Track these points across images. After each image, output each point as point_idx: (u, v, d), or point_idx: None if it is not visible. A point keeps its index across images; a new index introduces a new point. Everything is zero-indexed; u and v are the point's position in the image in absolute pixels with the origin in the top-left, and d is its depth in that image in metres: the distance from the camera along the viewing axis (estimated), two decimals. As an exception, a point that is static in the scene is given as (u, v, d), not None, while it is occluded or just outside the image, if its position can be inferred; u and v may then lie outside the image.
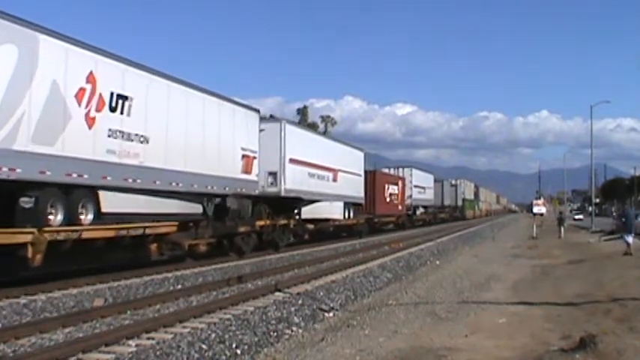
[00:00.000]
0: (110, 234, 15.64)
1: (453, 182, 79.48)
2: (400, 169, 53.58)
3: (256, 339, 10.34)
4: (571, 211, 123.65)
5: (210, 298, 13.89)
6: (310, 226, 29.86)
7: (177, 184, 18.24)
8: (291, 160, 25.77)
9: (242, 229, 22.01)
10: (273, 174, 24.81)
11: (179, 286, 15.66)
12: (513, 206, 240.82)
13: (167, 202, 18.08)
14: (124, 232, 16.10)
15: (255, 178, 22.98)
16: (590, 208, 77.67)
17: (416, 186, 53.99)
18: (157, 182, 17.31)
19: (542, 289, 16.58)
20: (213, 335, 9.92)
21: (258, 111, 24.05)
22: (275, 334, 10.90)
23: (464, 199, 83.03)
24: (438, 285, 17.40)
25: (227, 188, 20.83)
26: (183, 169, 18.53)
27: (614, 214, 72.97)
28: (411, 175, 53.32)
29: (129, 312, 12.17)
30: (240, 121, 22.20)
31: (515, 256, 27.63)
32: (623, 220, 27.73)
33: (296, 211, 27.75)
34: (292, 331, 11.38)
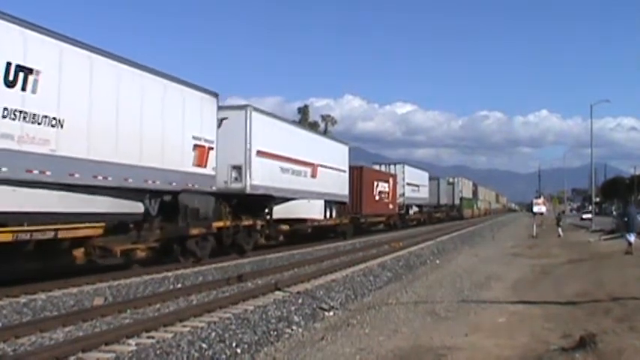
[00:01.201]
0: (5, 238, 12.87)
1: (450, 180, 76.76)
2: (392, 166, 50.59)
3: (256, 338, 10.34)
4: (571, 210, 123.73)
5: (211, 297, 13.89)
6: (284, 227, 26.84)
7: (106, 177, 15.28)
8: (259, 153, 23.01)
9: (195, 232, 19.29)
10: (238, 168, 22.06)
11: (179, 285, 15.67)
12: (513, 205, 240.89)
13: (91, 200, 15.08)
14: (25, 236, 13.31)
15: (212, 172, 19.98)
16: (590, 208, 77.64)
17: (409, 184, 51.25)
18: (76, 175, 14.35)
19: (542, 288, 16.59)
20: (213, 334, 9.92)
21: (216, 95, 20.65)
22: (275, 333, 10.91)
23: (461, 198, 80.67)
24: (438, 284, 17.41)
25: (174, 183, 18.07)
26: (114, 160, 15.61)
27: (614, 213, 73.02)
28: (403, 172, 50.27)
29: (129, 311, 12.17)
30: (193, 106, 19.19)
31: (515, 256, 27.63)
32: (625, 219, 27.71)
33: (267, 210, 24.87)
34: (292, 330, 11.38)
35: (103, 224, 15.60)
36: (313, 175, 29.01)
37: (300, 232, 29.52)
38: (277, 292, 14.17)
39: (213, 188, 20.14)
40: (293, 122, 30.25)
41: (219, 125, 20.88)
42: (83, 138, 14.71)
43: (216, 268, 18.71)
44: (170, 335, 9.73)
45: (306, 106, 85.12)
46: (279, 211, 25.56)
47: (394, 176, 47.05)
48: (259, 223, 23.83)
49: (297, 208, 27.28)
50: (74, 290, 13.70)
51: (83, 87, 14.80)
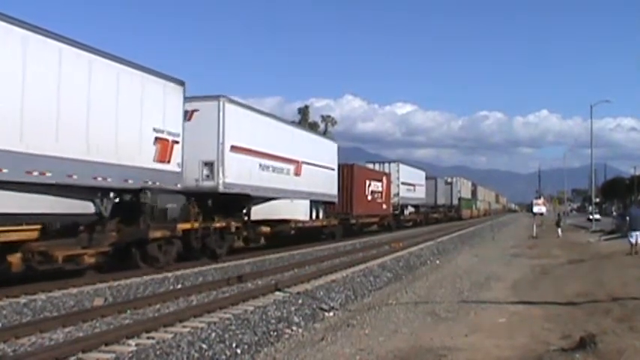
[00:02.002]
0: None
1: (449, 180, 75.11)
2: (386, 164, 48.44)
3: (256, 338, 10.34)
4: (571, 210, 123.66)
5: (211, 298, 13.89)
6: (265, 229, 24.55)
7: (43, 173, 13.49)
8: (234, 148, 21.12)
9: (157, 235, 17.38)
10: (210, 165, 20.28)
11: (179, 286, 15.67)
12: (513, 206, 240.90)
13: (27, 199, 13.38)
14: None
15: (177, 169, 18.23)
16: (590, 208, 77.63)
17: (404, 183, 49.11)
18: (4, 170, 12.59)
19: (542, 288, 16.58)
20: (213, 335, 9.92)
21: (182, 83, 18.69)
22: (275, 333, 10.91)
23: (460, 198, 78.85)
24: (438, 284, 17.41)
25: (131, 181, 16.30)
26: (53, 154, 13.76)
27: (614, 213, 72.99)
28: (397, 170, 48.03)
29: (129, 311, 12.17)
30: (153, 95, 17.30)
31: (515, 256, 27.63)
32: (628, 218, 27.67)
33: (245, 211, 22.93)
34: (292, 330, 11.39)
35: (38, 227, 13.89)
36: (297, 173, 27.10)
37: (283, 234, 27.39)
38: (277, 293, 14.17)
39: (179, 186, 18.41)
40: (274, 116, 26.99)
41: (189, 118, 19.61)
42: (10, 127, 12.75)
43: (216, 268, 18.71)
44: (170, 336, 9.73)
45: (306, 107, 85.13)
46: (258, 212, 23.70)
47: (388, 175, 45.26)
48: (234, 224, 21.71)
49: (279, 209, 25.36)
50: (74, 291, 13.69)
51: (14, 68, 12.92)
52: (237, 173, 21.37)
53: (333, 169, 32.51)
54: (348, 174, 35.35)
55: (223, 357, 9.30)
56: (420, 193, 55.76)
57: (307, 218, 28.60)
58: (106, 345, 9.13)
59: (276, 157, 24.74)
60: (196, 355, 9.02)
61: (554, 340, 9.94)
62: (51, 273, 14.97)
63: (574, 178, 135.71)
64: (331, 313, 13.17)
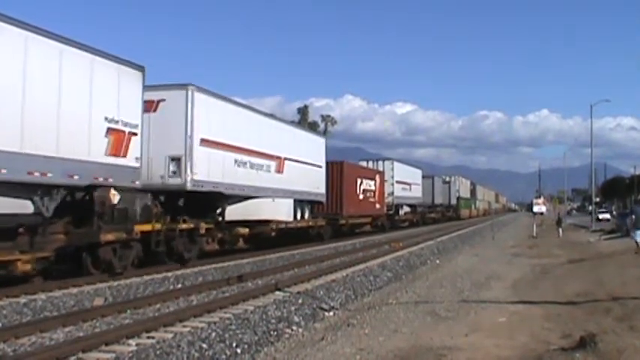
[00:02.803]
0: None
1: (447, 179, 73.34)
2: (380, 162, 46.52)
3: (256, 338, 10.34)
4: (571, 210, 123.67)
5: (211, 298, 13.90)
6: (242, 231, 22.85)
7: None
8: (205, 142, 19.39)
9: (110, 237, 15.52)
10: (176, 160, 18.47)
11: (179, 286, 15.68)
12: (513, 205, 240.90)
13: None
14: None
15: (135, 164, 16.48)
16: (590, 207, 77.65)
17: (398, 182, 47.04)
18: None
19: (542, 288, 16.58)
20: (213, 334, 9.92)
21: (141, 69, 16.90)
22: (275, 333, 10.91)
23: (458, 198, 77.09)
24: (438, 284, 17.41)
25: (76, 177, 14.36)
26: None
27: (614, 212, 73.00)
28: (392, 168, 46.01)
29: (129, 311, 12.18)
30: (106, 80, 15.50)
31: (515, 255, 27.62)
32: (634, 217, 27.59)
33: (219, 210, 21.20)
34: (292, 330, 11.39)
35: None
36: (279, 170, 25.25)
37: (264, 236, 25.63)
38: (277, 293, 14.17)
39: (137, 183, 16.66)
40: (252, 108, 24.87)
41: (154, 108, 18.23)
42: None
43: (216, 268, 18.72)
44: (170, 335, 9.73)
45: (305, 107, 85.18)
46: (234, 212, 21.83)
47: (381, 173, 43.40)
48: (204, 226, 19.87)
49: (259, 209, 23.30)
50: (74, 290, 13.70)
51: None
52: (209, 169, 19.61)
53: (320, 167, 30.72)
54: (337, 172, 33.65)
55: (223, 357, 9.30)
56: (416, 193, 53.87)
57: (291, 219, 26.47)
58: (106, 345, 9.13)
59: (254, 153, 22.91)
60: (196, 354, 9.02)
61: (555, 340, 9.94)
62: (51, 273, 14.98)
63: (574, 177, 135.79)
64: (331, 313, 13.17)
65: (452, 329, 11.01)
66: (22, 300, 12.39)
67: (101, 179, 15.27)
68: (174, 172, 18.49)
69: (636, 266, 19.85)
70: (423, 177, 57.82)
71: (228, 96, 21.61)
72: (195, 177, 18.84)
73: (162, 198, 18.71)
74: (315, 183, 29.63)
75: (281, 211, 25.43)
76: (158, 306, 12.84)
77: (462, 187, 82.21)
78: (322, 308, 13.32)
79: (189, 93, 18.80)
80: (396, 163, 47.80)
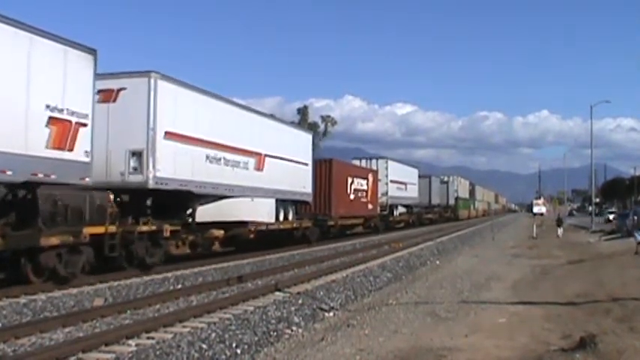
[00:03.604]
0: None
1: (445, 179, 71.99)
2: (373, 161, 44.47)
3: (256, 338, 10.34)
4: (571, 210, 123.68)
5: (210, 298, 13.89)
6: (217, 233, 20.99)
7: None
8: (170, 135, 17.69)
9: (53, 241, 13.74)
10: (138, 155, 16.83)
11: (179, 286, 15.67)
12: (513, 206, 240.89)
13: None
14: None
15: (84, 159, 14.64)
16: (590, 208, 77.66)
17: (393, 181, 44.97)
18: None
19: (542, 288, 16.59)
20: (213, 335, 9.92)
21: (92, 52, 15.05)
22: (275, 333, 10.91)
23: (457, 198, 75.62)
24: (438, 285, 17.41)
25: (9, 172, 12.76)
26: None
27: (609, 216, 72.93)
28: (386, 167, 43.84)
29: (129, 311, 12.17)
30: (48, 63, 13.83)
31: (515, 256, 27.63)
32: (636, 218, 27.65)
33: (189, 211, 19.52)
34: (292, 330, 11.39)
35: None
36: (259, 168, 23.45)
37: (241, 239, 23.87)
38: (277, 293, 14.16)
39: (88, 180, 14.83)
40: (229, 100, 22.55)
41: (114, 98, 16.83)
42: None
43: (216, 268, 18.70)
44: (170, 336, 9.73)
45: (305, 107, 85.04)
46: (207, 213, 20.07)
47: (375, 172, 41.30)
48: (168, 227, 17.86)
49: (235, 209, 21.32)
50: (74, 291, 13.69)
51: None
52: (175, 166, 17.91)
53: (306, 165, 28.62)
54: (325, 170, 31.77)
55: (223, 357, 9.30)
56: (412, 192, 51.79)
57: (272, 220, 24.37)
58: (106, 345, 9.13)
59: (230, 148, 21.04)
60: (196, 355, 9.02)
61: (555, 341, 9.95)
62: (50, 273, 14.96)
63: (574, 178, 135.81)
64: (331, 314, 13.17)
65: (452, 330, 11.01)
66: (22, 300, 12.38)
67: (41, 175, 13.54)
68: (135, 169, 16.89)
69: (636, 267, 19.87)
70: (420, 177, 56.12)
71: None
72: (159, 174, 17.19)
73: (124, 197, 17.26)
74: (300, 182, 27.70)
75: (261, 211, 23.34)
76: (158, 306, 12.83)
77: (461, 187, 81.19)
78: (322, 309, 13.32)
79: (152, 81, 17.12)
80: (390, 162, 45.73)
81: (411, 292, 16.06)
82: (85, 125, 14.74)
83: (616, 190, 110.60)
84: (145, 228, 17.08)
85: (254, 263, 20.76)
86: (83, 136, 14.69)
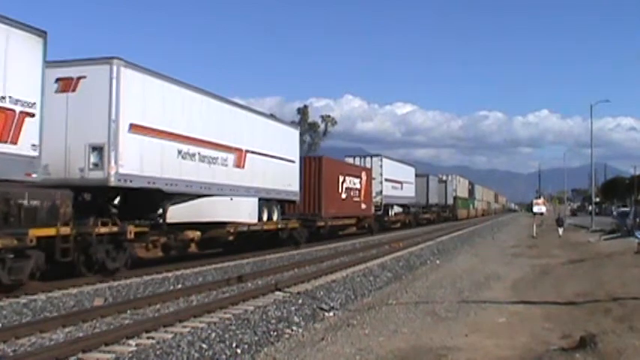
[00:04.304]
0: None
1: (443, 178, 70.74)
2: (368, 159, 42.76)
3: (256, 338, 10.35)
4: (574, 211, 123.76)
5: (211, 298, 13.90)
6: (192, 234, 19.32)
7: None
8: (136, 128, 16.28)
9: None
10: (99, 149, 15.45)
11: (179, 286, 15.68)
12: (513, 205, 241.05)
13: None
14: None
15: (31, 152, 13.41)
16: (590, 208, 77.68)
17: (388, 180, 43.45)
18: None
19: (542, 288, 16.59)
20: (213, 335, 9.93)
21: (43, 34, 13.73)
22: (275, 333, 10.91)
23: (455, 197, 74.64)
24: (438, 284, 17.41)
25: None
26: None
27: (614, 212, 73.03)
28: (380, 165, 42.26)
29: (129, 311, 12.18)
30: None
31: (515, 256, 27.62)
32: (637, 219, 27.67)
33: (160, 211, 18.04)
34: (292, 330, 11.39)
35: None
36: (239, 165, 21.91)
37: (221, 240, 22.31)
38: (277, 293, 14.17)
39: (35, 176, 13.55)
40: (205, 91, 20.45)
41: (73, 87, 15.55)
42: None
43: (216, 268, 18.70)
44: (170, 336, 9.73)
45: (305, 107, 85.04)
46: (181, 213, 18.64)
47: (368, 170, 39.70)
48: (133, 229, 16.29)
49: (212, 208, 19.89)
50: (74, 291, 13.70)
51: None
52: (141, 161, 16.52)
53: (293, 162, 27.07)
54: (315, 168, 30.27)
55: (223, 357, 9.30)
56: (408, 192, 50.07)
57: (254, 220, 22.87)
58: (106, 345, 9.13)
59: (206, 143, 19.62)
60: (196, 355, 9.02)
61: (555, 340, 9.96)
62: (51, 273, 14.97)
63: (574, 177, 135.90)
64: (331, 313, 13.17)
65: (452, 329, 11.01)
66: (22, 300, 12.39)
67: None
68: (95, 165, 15.49)
69: (636, 266, 19.87)
70: (417, 175, 54.70)
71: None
72: (122, 170, 15.73)
73: (86, 196, 16.08)
74: (286, 180, 26.12)
75: (241, 211, 21.77)
76: (158, 306, 12.84)
77: (460, 186, 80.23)
78: (322, 308, 13.32)
79: (115, 68, 15.66)
80: (385, 160, 43.81)
81: (411, 291, 16.06)
82: (31, 115, 13.36)
83: (616, 189, 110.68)
84: (104, 230, 15.49)
85: (254, 263, 20.77)
86: (30, 127, 13.31)
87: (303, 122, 76.81)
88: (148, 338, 9.64)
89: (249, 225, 22.54)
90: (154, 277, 16.29)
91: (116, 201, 17.20)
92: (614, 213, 65.81)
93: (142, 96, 16.65)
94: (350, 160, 41.37)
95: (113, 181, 15.64)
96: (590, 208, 76.94)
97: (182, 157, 18.39)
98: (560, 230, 43.61)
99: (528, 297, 14.75)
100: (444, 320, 12.03)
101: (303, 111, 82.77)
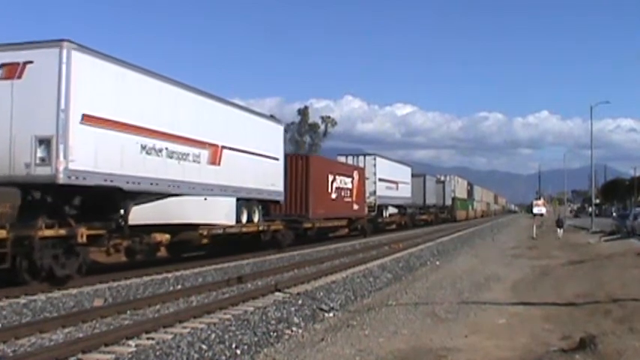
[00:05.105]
0: None
1: (441, 178, 69.56)
2: (360, 158, 41.08)
3: (256, 339, 10.35)
4: (571, 211, 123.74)
5: (210, 299, 13.90)
6: (160, 237, 17.43)
7: None
8: (90, 119, 14.54)
9: None
10: (46, 142, 13.82)
11: (179, 287, 15.67)
12: (513, 206, 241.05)
13: None
14: None
15: None
16: (590, 209, 77.70)
17: (382, 179, 41.84)
18: None
19: (542, 289, 16.58)
20: (213, 335, 9.93)
21: None
22: (275, 334, 10.91)
23: (454, 198, 73.66)
24: (438, 285, 17.40)
25: None
26: None
27: (614, 214, 73.07)
28: (374, 165, 40.72)
29: (129, 312, 12.18)
30: None
31: (515, 257, 27.62)
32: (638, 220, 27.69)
33: (122, 211, 16.15)
34: (292, 331, 11.39)
35: None
36: (214, 162, 20.09)
37: (193, 244, 20.33)
38: (277, 293, 14.17)
39: None
40: (174, 81, 18.55)
41: (19, 74, 14.05)
42: None
43: (216, 269, 18.70)
44: (170, 336, 9.73)
45: (306, 108, 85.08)
46: (146, 214, 16.85)
47: (361, 170, 38.08)
48: (84, 232, 14.51)
49: (183, 209, 18.12)
50: (74, 291, 13.70)
51: None
52: (96, 156, 14.80)
53: (276, 159, 25.21)
54: (302, 166, 28.63)
55: (223, 357, 9.30)
56: (404, 192, 48.30)
57: (231, 222, 20.89)
58: (106, 346, 9.13)
59: (175, 137, 17.85)
60: (196, 355, 9.02)
61: (554, 341, 9.95)
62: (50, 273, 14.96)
63: (574, 178, 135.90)
64: (331, 314, 13.17)
65: (452, 330, 11.01)
66: (22, 301, 12.39)
67: None
68: (42, 160, 13.82)
69: (636, 267, 19.87)
70: (413, 175, 52.93)
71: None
72: (73, 165, 14.01)
73: (35, 194, 14.61)
74: (268, 179, 24.23)
75: (216, 212, 19.84)
76: (158, 307, 12.83)
77: (458, 187, 79.34)
78: (322, 309, 13.32)
79: (64, 52, 13.93)
80: (378, 159, 42.13)
81: (411, 292, 16.05)
82: None
83: (616, 190, 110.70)
84: (49, 233, 13.79)
85: (254, 264, 20.77)
86: None
87: (304, 123, 76.88)
88: (148, 339, 9.64)
89: (224, 227, 20.59)
90: (154, 277, 16.29)
91: (75, 201, 15.40)
92: (614, 214, 65.88)
93: (98, 84, 14.91)
94: (342, 159, 39.97)
95: (62, 178, 13.83)
96: (590, 209, 76.98)
97: (146, 152, 16.69)
98: (560, 231, 43.60)
99: (528, 298, 14.74)
100: (443, 321, 12.02)
101: (303, 112, 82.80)
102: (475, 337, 10.53)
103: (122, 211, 16.16)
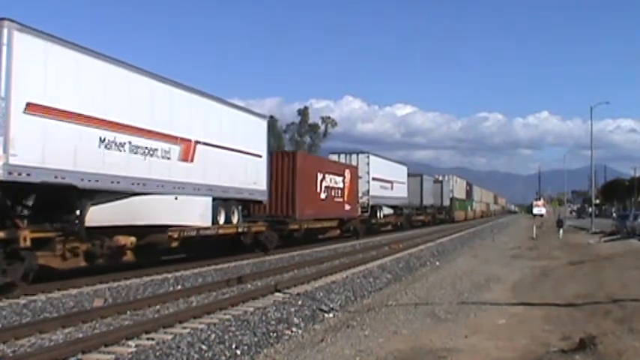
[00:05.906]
0: None
1: (439, 178, 68.26)
2: (353, 156, 39.06)
3: (256, 339, 10.35)
4: (572, 212, 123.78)
5: (210, 299, 13.90)
6: (125, 240, 16.16)
7: None
8: (36, 109, 13.13)
9: None
10: None
11: (179, 287, 15.67)
12: (513, 207, 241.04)
13: None
14: None
15: None
16: (590, 209, 77.71)
17: (376, 179, 40.05)
18: None
19: (541, 289, 16.58)
20: (212, 336, 9.93)
21: None
22: (275, 334, 10.91)
23: (452, 199, 72.46)
24: (438, 286, 17.40)
25: None
26: None
27: (614, 215, 73.10)
28: (367, 163, 38.87)
29: (129, 312, 12.17)
30: None
31: (514, 257, 27.62)
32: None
33: (78, 212, 14.69)
34: (292, 331, 11.39)
35: None
36: (187, 158, 18.59)
37: (162, 247, 18.73)
38: (277, 294, 14.18)
39: None
40: (141, 69, 17.02)
41: None
42: None
43: (216, 269, 18.70)
44: (170, 337, 9.74)
45: (306, 108, 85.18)
46: (107, 214, 15.39)
47: (353, 168, 36.55)
48: (28, 235, 13.16)
49: (150, 209, 16.70)
50: (74, 291, 13.70)
51: None
52: (44, 151, 13.39)
53: (259, 156, 23.46)
54: (288, 164, 27.01)
55: (223, 358, 9.30)
56: (399, 192, 46.45)
57: (207, 223, 19.59)
58: (106, 346, 9.13)
59: (140, 131, 16.39)
60: (196, 356, 9.02)
61: (554, 342, 9.95)
62: (51, 274, 14.97)
63: (574, 179, 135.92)
64: (331, 315, 13.17)
65: (451, 331, 11.01)
66: (22, 301, 12.39)
67: None
68: None
69: (636, 268, 19.88)
70: (410, 175, 51.40)
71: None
72: (15, 160, 12.61)
73: None
74: (249, 177, 22.64)
75: (189, 212, 18.54)
76: (158, 307, 12.83)
77: (457, 187, 78.21)
78: (322, 310, 13.32)
79: (5, 32, 12.44)
80: (372, 157, 40.15)
81: (410, 293, 16.05)
82: None
83: (616, 191, 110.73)
84: None
85: (254, 264, 20.77)
86: None
87: (304, 123, 76.94)
88: (148, 339, 9.64)
89: (198, 229, 19.17)
90: (154, 278, 16.29)
91: (26, 200, 14.39)
92: (614, 215, 65.85)
93: (46, 69, 13.44)
94: (334, 158, 38.39)
95: (2, 174, 12.44)
96: (590, 209, 76.96)
97: (106, 146, 15.15)
98: (560, 232, 43.62)
99: (528, 298, 14.74)
100: (443, 322, 12.02)
101: (303, 112, 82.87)
102: (475, 337, 10.53)
103: (78, 212, 14.71)
